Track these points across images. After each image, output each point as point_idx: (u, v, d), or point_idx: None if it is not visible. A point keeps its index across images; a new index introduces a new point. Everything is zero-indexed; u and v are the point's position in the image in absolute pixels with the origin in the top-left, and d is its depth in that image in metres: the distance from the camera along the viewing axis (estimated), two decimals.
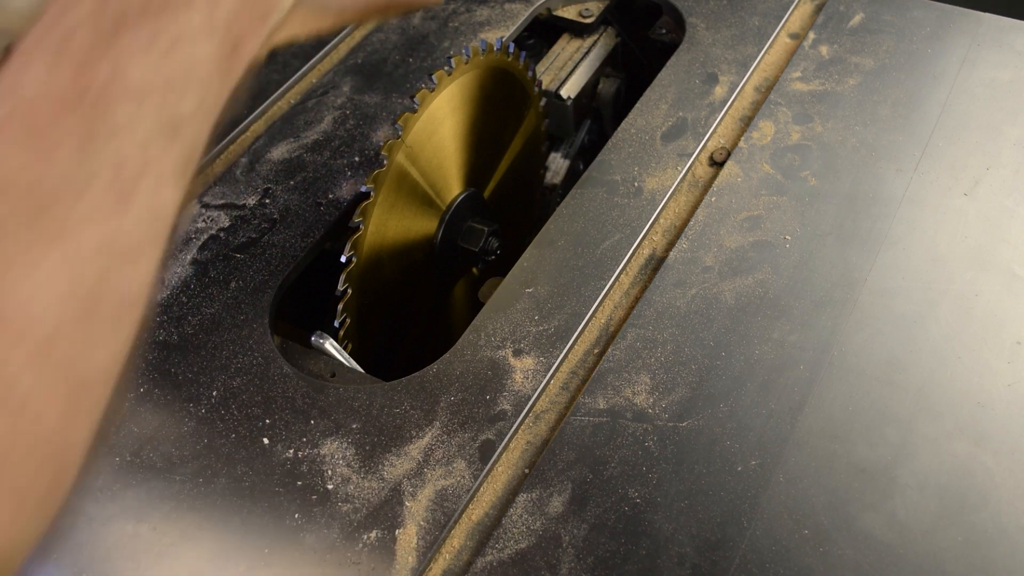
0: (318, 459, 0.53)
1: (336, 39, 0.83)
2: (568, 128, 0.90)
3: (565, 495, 0.51)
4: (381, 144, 0.67)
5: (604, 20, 0.89)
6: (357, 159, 0.72)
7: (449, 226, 0.72)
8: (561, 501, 0.51)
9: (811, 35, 0.77)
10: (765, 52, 0.77)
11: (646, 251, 0.64)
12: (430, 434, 0.54)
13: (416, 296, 0.75)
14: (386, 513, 0.51)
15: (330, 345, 0.61)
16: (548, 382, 0.57)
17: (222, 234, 0.67)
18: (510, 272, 0.63)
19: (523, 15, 0.84)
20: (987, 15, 0.76)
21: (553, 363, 0.57)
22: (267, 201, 0.69)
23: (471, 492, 0.51)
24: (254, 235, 0.67)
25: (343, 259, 0.62)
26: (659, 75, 0.76)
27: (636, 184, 0.67)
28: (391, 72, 0.79)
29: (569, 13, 0.88)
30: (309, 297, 0.70)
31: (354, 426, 0.55)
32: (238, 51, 0.30)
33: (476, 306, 0.66)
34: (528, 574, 0.48)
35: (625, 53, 0.92)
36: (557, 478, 0.51)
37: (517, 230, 0.85)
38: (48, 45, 0.26)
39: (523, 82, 0.76)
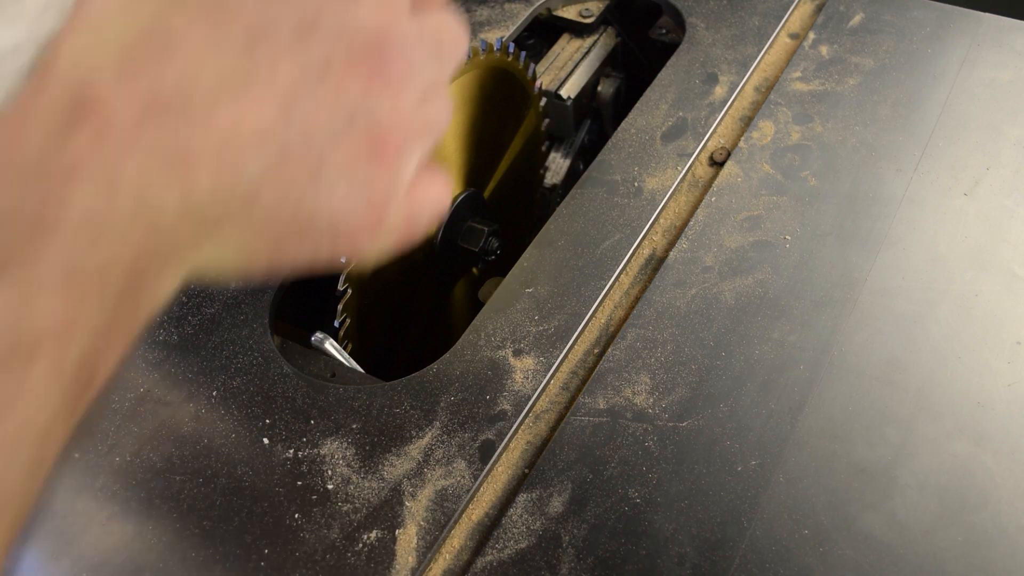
0: (318, 459, 0.53)
1: None
2: (568, 128, 0.90)
3: (565, 495, 0.51)
4: None
5: (604, 20, 0.89)
6: None
7: (449, 226, 0.72)
8: (561, 501, 0.51)
9: (811, 35, 0.77)
10: (765, 52, 0.77)
11: (646, 251, 0.64)
12: (430, 434, 0.54)
13: (416, 296, 0.75)
14: (386, 513, 0.51)
15: (330, 345, 0.61)
16: (548, 382, 0.57)
17: None
18: (510, 272, 0.63)
19: (523, 15, 0.84)
20: (987, 15, 0.76)
21: (553, 363, 0.57)
22: None
23: (471, 492, 0.51)
24: None
25: (343, 259, 0.62)
26: (659, 75, 0.76)
27: (636, 184, 0.67)
28: None
29: (569, 13, 0.88)
30: (309, 297, 0.70)
31: (354, 426, 0.55)
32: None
33: (476, 306, 0.66)
34: (528, 574, 0.48)
35: (625, 53, 0.92)
36: (557, 478, 0.51)
37: (517, 230, 0.85)
38: None
39: (523, 82, 0.76)
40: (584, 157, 0.93)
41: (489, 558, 0.49)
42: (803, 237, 0.62)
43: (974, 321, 0.56)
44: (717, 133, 0.71)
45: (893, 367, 0.55)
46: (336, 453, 0.54)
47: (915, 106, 0.70)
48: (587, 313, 0.59)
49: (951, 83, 0.71)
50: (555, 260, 0.63)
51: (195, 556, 0.50)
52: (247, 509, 0.51)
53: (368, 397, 0.56)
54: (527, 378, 0.56)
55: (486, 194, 0.77)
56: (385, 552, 0.49)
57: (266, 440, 0.54)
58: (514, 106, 0.78)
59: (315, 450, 0.54)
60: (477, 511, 0.51)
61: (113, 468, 0.54)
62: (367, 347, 0.69)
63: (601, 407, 0.54)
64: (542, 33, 0.90)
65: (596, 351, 0.58)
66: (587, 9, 0.88)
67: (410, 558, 0.49)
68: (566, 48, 0.88)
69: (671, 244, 0.63)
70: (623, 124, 0.72)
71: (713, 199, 0.65)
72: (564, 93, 0.85)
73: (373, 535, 0.50)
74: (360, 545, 0.50)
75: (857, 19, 0.77)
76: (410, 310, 0.76)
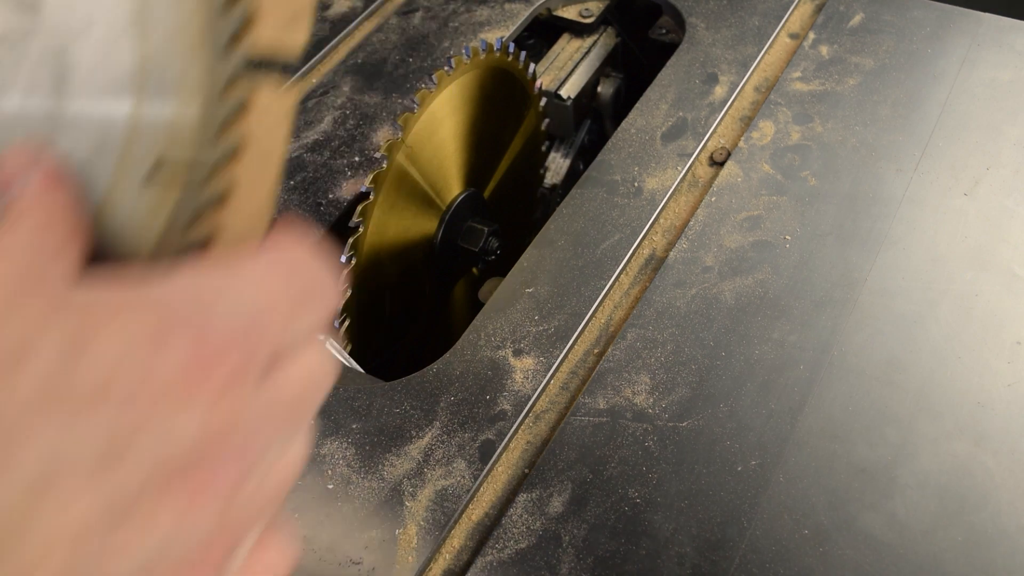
0: (318, 459, 0.53)
1: (336, 40, 0.83)
2: (568, 128, 0.90)
3: (565, 495, 0.51)
4: (381, 144, 0.67)
5: (604, 20, 0.89)
6: (357, 159, 0.72)
7: (449, 226, 0.72)
8: (561, 501, 0.51)
9: (811, 35, 0.77)
10: (765, 52, 0.77)
11: (646, 251, 0.64)
12: (430, 434, 0.54)
13: (416, 296, 0.75)
14: (386, 513, 0.51)
15: (330, 345, 0.61)
16: (548, 382, 0.57)
17: None
18: (510, 272, 0.63)
19: (523, 15, 0.84)
20: (987, 15, 0.76)
21: (553, 363, 0.57)
22: None
23: (471, 492, 0.51)
24: None
25: (343, 259, 0.62)
26: (659, 75, 0.76)
27: (636, 184, 0.67)
28: (391, 72, 0.79)
29: (569, 13, 0.88)
30: None
31: (354, 426, 0.55)
32: None
33: (476, 306, 0.66)
34: (528, 574, 0.48)
35: (625, 53, 0.92)
36: (557, 478, 0.51)
37: (517, 230, 0.84)
38: None
39: (523, 82, 0.76)
40: (584, 157, 0.93)
41: (489, 558, 0.49)
42: (803, 237, 0.62)
43: (974, 321, 0.56)
44: (717, 133, 0.71)
45: (893, 367, 0.55)
46: (336, 453, 0.54)
47: (915, 106, 0.70)
48: (587, 313, 0.59)
49: (951, 83, 0.71)
50: (555, 260, 0.63)
51: None
52: None
53: (368, 397, 0.56)
54: (527, 378, 0.56)
55: (486, 194, 0.77)
56: (385, 552, 0.49)
57: None
58: (514, 106, 0.78)
59: (315, 450, 0.54)
60: (477, 511, 0.51)
61: None
62: (367, 347, 0.69)
63: (601, 407, 0.54)
64: (542, 33, 0.90)
65: (596, 351, 0.58)
66: (587, 9, 0.88)
67: (410, 558, 0.49)
68: (566, 48, 0.88)
69: (671, 244, 0.63)
70: (623, 124, 0.72)
71: (713, 199, 0.65)
72: (564, 93, 0.85)
73: (373, 535, 0.50)
74: (360, 545, 0.50)
75: (857, 19, 0.77)
76: (410, 310, 0.76)
